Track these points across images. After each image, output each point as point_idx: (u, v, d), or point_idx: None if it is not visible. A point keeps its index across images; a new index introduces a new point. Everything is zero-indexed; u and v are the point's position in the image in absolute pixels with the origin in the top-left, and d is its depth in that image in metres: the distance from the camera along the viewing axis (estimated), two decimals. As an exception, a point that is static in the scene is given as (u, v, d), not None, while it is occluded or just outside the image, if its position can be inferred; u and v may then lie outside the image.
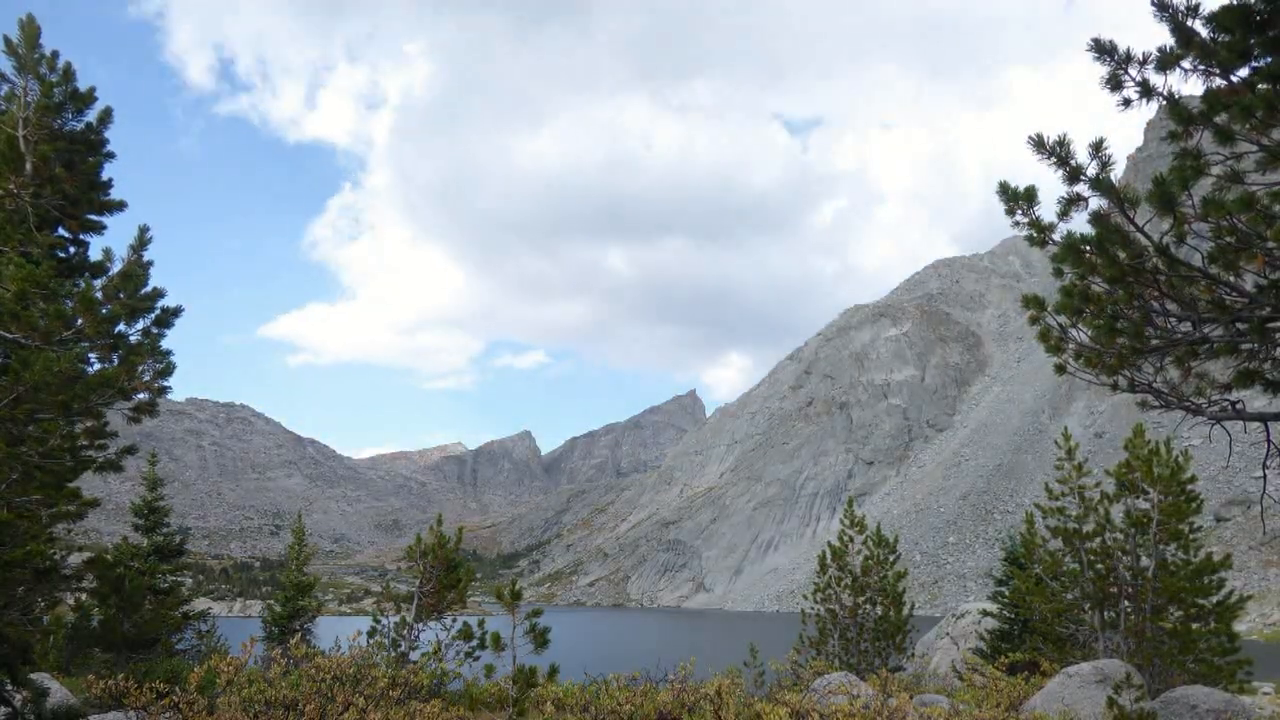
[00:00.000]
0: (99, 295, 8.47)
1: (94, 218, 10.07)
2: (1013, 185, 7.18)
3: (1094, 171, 6.58)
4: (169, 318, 9.32)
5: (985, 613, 20.92)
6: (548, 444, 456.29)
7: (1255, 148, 6.09)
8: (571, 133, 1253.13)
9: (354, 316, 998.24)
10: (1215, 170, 6.30)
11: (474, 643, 11.54)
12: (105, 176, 10.13)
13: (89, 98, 9.85)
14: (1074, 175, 6.62)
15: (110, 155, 10.09)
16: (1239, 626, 16.66)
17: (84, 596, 14.88)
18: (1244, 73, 6.06)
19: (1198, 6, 6.02)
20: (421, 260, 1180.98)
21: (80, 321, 7.96)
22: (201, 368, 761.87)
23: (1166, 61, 6.20)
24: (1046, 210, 7.05)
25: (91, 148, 9.92)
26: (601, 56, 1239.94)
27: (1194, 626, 14.08)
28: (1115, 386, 7.67)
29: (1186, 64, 6.18)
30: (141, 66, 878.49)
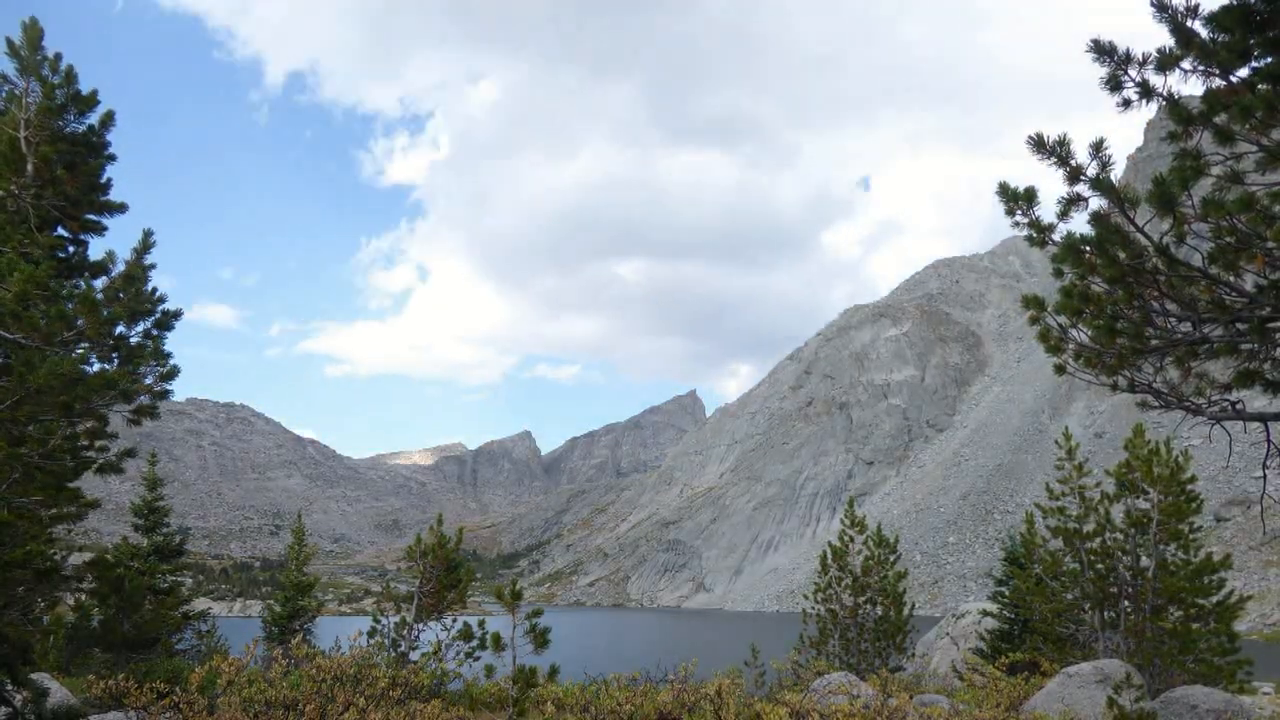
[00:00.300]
0: (100, 296, 8.48)
1: (94, 219, 10.07)
2: (1012, 185, 7.18)
3: (1094, 171, 6.58)
4: (170, 320, 9.34)
5: (985, 613, 20.93)
6: (548, 444, 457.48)
7: (1255, 148, 6.09)
8: (596, 165, 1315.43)
9: (394, 333, 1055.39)
10: (1215, 170, 6.30)
11: (474, 643, 11.55)
12: (106, 178, 10.14)
13: (91, 100, 9.85)
14: (1074, 175, 6.63)
15: (112, 157, 10.08)
16: (1239, 626, 16.65)
17: (84, 596, 14.87)
18: (1244, 73, 6.06)
19: (1198, 7, 6.02)
20: (458, 281, 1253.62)
21: (81, 323, 7.97)
22: (242, 375, 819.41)
23: (1166, 62, 6.20)
24: (1047, 210, 7.06)
25: (93, 149, 9.91)
26: (624, 95, 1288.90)
27: (1194, 626, 14.09)
28: (1115, 386, 7.68)
29: (1186, 64, 6.18)
30: (227, 106, 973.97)
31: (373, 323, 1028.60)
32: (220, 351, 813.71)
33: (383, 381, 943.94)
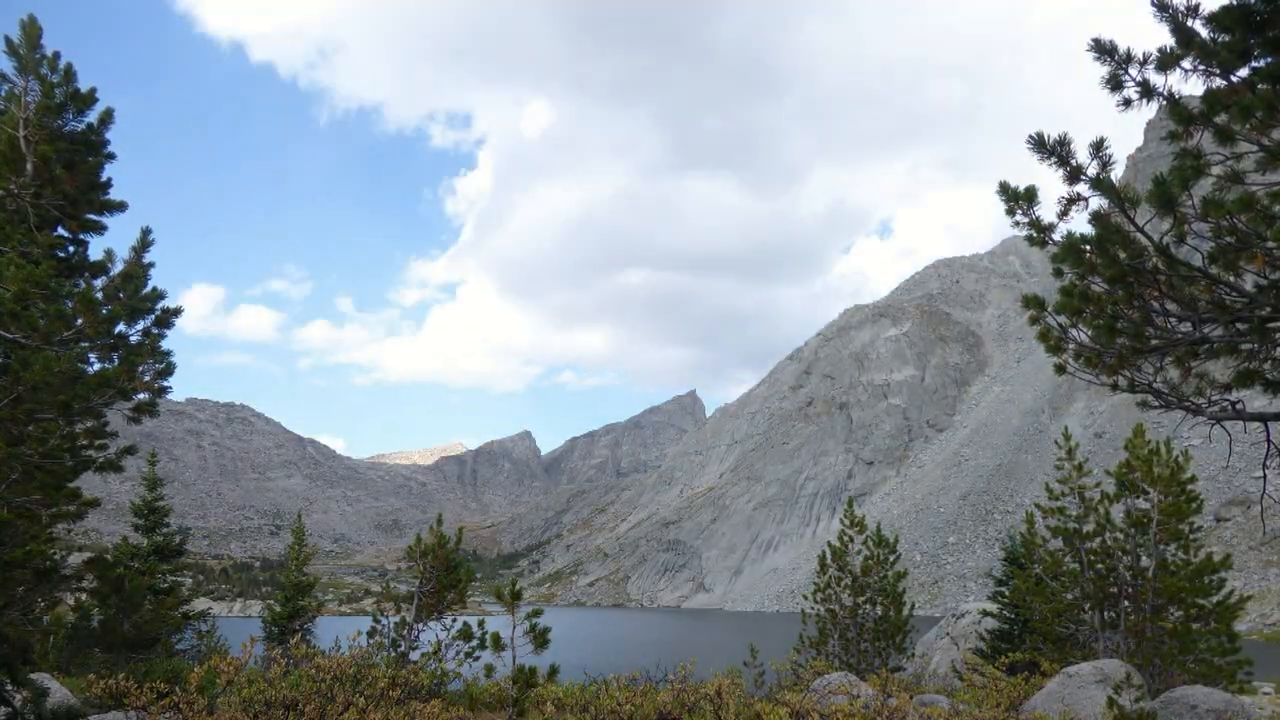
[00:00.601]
0: (99, 295, 8.48)
1: (94, 218, 10.05)
2: (1012, 185, 7.18)
3: (1094, 171, 6.57)
4: (169, 318, 9.33)
5: (985, 613, 20.92)
6: (549, 444, 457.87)
7: (1255, 148, 6.08)
8: (617, 186, 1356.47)
9: (423, 345, 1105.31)
10: (1215, 170, 6.30)
11: (474, 643, 11.54)
12: (105, 176, 10.12)
13: (90, 98, 9.83)
14: (1074, 175, 6.62)
15: (111, 156, 10.06)
16: (1239, 626, 16.65)
17: (84, 596, 14.87)
18: (1244, 73, 6.05)
19: (1198, 6, 6.02)
20: (485, 296, 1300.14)
21: (80, 321, 7.96)
22: (273, 382, 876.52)
23: (1167, 62, 6.20)
24: (1047, 210, 7.06)
25: (92, 148, 9.90)
26: (641, 128, 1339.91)
27: (1194, 626, 14.09)
28: (1115, 386, 7.67)
29: (1187, 64, 6.18)
30: (296, 132, 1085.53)
31: (403, 338, 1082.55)
32: (259, 360, 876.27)
33: (410, 390, 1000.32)
